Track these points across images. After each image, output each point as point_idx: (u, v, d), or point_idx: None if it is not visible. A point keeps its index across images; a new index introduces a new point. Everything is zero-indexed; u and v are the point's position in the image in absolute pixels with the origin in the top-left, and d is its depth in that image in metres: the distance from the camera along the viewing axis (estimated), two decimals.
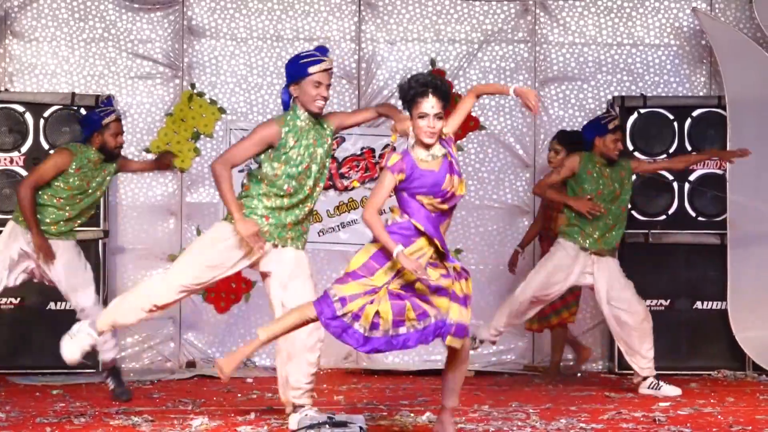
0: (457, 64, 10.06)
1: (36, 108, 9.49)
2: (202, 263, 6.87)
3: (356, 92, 10.06)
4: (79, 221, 8.26)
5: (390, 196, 6.10)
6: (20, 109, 9.46)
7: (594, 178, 8.53)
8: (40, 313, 9.34)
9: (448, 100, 6.13)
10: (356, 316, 6.00)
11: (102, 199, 9.45)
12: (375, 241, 6.08)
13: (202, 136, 9.93)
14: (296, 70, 6.85)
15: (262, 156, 6.86)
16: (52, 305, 9.29)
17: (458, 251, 9.89)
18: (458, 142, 9.97)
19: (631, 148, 9.60)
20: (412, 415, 7.27)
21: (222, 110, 9.93)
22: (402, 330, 6.04)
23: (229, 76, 10.03)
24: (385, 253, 6.03)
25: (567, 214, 8.63)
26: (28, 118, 9.47)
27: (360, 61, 10.07)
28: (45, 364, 9.33)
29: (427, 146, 6.09)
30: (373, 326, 6.01)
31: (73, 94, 9.48)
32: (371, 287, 6.02)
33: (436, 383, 8.69)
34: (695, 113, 9.69)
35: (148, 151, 9.80)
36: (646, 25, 10.15)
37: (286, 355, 6.86)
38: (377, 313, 5.99)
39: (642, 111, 9.69)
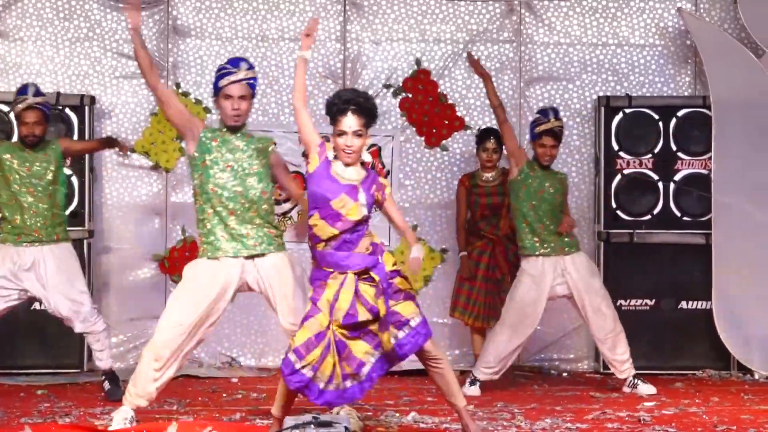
0: (442, 64, 10.06)
1: None
2: (183, 305, 6.75)
3: None
4: (55, 219, 8.22)
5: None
6: (5, 108, 9.42)
7: (534, 179, 8.50)
8: (25, 313, 9.30)
9: (373, 117, 6.11)
10: (315, 369, 6.04)
11: (87, 199, 9.47)
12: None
13: None
14: (214, 86, 6.89)
15: (191, 169, 6.87)
16: (36, 305, 9.24)
17: (444, 251, 9.90)
18: (443, 141, 9.99)
19: (616, 148, 9.62)
20: (397, 415, 7.27)
21: (207, 110, 9.90)
22: (348, 383, 6.14)
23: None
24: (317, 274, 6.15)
25: (518, 226, 8.54)
26: (13, 117, 9.44)
27: (345, 61, 10.06)
28: (29, 364, 9.33)
29: (347, 164, 6.10)
30: (329, 380, 6.09)
31: (58, 94, 9.46)
32: (319, 330, 6.04)
33: (422, 383, 8.70)
34: (680, 113, 9.70)
35: (133, 150, 9.77)
36: (631, 25, 10.16)
37: None
38: (333, 365, 6.04)
39: (627, 111, 9.70)
